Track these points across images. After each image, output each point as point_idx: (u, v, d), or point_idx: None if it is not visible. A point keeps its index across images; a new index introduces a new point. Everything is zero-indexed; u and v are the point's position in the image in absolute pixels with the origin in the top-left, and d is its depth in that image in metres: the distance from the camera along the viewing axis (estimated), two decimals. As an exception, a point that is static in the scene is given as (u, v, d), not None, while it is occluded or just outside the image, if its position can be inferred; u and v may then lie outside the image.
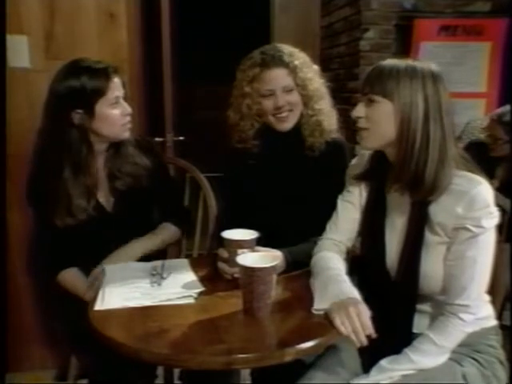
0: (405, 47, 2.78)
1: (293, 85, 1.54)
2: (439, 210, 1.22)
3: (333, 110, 1.64)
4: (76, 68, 1.56)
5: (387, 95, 1.22)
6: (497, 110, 2.45)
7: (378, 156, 1.33)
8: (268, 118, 1.57)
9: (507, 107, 2.29)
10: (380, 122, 1.25)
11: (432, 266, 1.23)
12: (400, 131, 1.22)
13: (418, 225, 1.25)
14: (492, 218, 1.18)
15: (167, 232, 1.73)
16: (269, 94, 1.54)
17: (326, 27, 3.22)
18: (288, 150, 1.60)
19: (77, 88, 1.52)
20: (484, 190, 1.18)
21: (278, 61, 1.53)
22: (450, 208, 1.20)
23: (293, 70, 1.53)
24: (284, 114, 1.55)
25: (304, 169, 1.60)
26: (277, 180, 1.60)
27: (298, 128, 1.59)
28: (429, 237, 1.24)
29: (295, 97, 1.56)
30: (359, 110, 1.27)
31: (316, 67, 1.63)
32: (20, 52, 2.03)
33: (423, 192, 1.21)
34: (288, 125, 1.57)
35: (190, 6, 4.44)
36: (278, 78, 1.54)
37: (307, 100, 1.57)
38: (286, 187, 1.59)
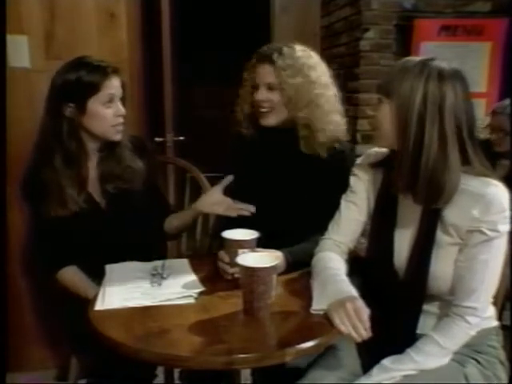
0: (405, 47, 2.77)
1: (276, 84, 1.55)
2: (454, 212, 1.20)
3: (338, 120, 1.61)
4: (77, 63, 1.57)
5: (389, 95, 1.22)
6: (498, 103, 2.45)
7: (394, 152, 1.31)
8: (256, 110, 1.60)
9: (509, 100, 2.30)
10: (382, 122, 1.25)
11: (442, 267, 1.23)
12: (396, 131, 1.22)
13: (430, 225, 1.23)
14: (507, 223, 1.18)
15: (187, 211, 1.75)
16: (256, 87, 1.58)
17: (326, 27, 3.22)
18: (286, 148, 1.61)
19: (72, 81, 1.53)
20: (501, 194, 1.17)
21: (267, 57, 1.56)
22: (466, 210, 1.18)
23: (279, 69, 1.54)
24: (264, 110, 1.58)
25: (303, 167, 1.60)
26: (277, 179, 1.60)
27: (290, 126, 1.59)
28: (441, 237, 1.23)
29: (276, 96, 1.56)
30: (370, 112, 1.29)
31: (321, 72, 1.59)
32: (20, 52, 2.03)
33: (422, 195, 1.20)
34: (269, 121, 1.59)
35: (190, 6, 4.43)
36: (263, 73, 1.57)
37: (291, 104, 1.55)
38: (287, 186, 1.59)
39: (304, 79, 1.55)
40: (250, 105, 1.63)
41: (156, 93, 2.53)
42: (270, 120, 1.59)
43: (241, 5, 5.05)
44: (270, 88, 1.56)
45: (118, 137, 1.62)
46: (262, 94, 1.57)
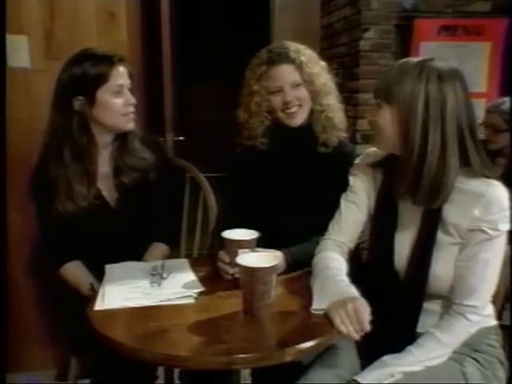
0: (405, 47, 2.77)
1: (300, 80, 1.56)
2: (454, 211, 1.21)
3: (341, 105, 1.66)
4: (81, 56, 1.57)
5: (389, 101, 1.21)
6: (492, 101, 2.46)
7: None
8: (278, 114, 1.59)
9: (504, 98, 2.32)
10: (383, 127, 1.24)
11: (442, 267, 1.23)
12: (399, 136, 1.21)
13: (431, 225, 1.24)
14: (507, 222, 1.18)
15: (158, 253, 1.72)
16: (277, 91, 1.56)
17: (326, 27, 3.21)
18: (299, 147, 1.61)
19: (78, 74, 1.53)
20: (501, 193, 1.18)
21: (284, 57, 1.55)
22: (466, 210, 1.19)
23: (299, 66, 1.55)
24: (293, 110, 1.57)
25: (313, 166, 1.60)
26: (283, 178, 1.60)
27: (309, 125, 1.60)
28: (441, 237, 1.23)
29: (303, 92, 1.57)
30: (369, 116, 1.29)
31: (323, 63, 1.64)
32: (20, 52, 2.03)
33: (421, 198, 1.21)
34: (297, 120, 1.58)
35: (189, 6, 4.44)
36: (285, 73, 1.56)
37: (315, 95, 1.58)
38: (292, 186, 1.59)
39: (319, 67, 1.60)
40: (272, 112, 1.59)
41: (156, 93, 2.53)
42: (299, 118, 1.58)
43: (240, 5, 5.06)
44: (295, 86, 1.56)
45: (130, 125, 1.62)
46: (291, 94, 1.55)
